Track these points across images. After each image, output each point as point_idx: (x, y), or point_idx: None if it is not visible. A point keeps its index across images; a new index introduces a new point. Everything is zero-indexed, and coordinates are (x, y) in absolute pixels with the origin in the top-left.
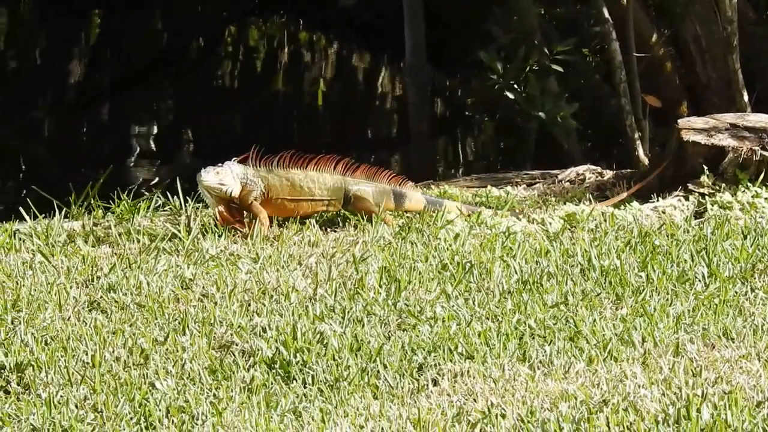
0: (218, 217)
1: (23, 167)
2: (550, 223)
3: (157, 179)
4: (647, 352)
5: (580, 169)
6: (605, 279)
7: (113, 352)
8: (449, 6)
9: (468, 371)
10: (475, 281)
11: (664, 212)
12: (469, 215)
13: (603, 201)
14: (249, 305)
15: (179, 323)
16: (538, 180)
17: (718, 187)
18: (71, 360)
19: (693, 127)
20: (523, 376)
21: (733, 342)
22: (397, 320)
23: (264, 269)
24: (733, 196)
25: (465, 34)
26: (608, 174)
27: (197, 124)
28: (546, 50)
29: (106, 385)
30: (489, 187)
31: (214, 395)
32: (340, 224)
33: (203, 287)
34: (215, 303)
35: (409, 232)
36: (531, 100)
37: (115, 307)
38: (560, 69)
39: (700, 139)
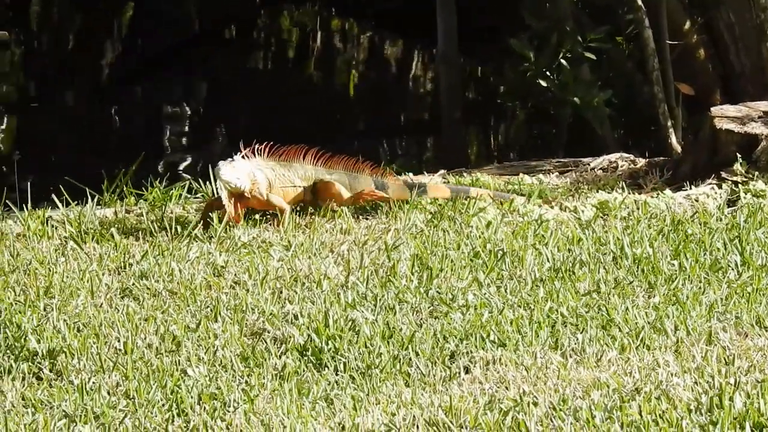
0: (231, 214)
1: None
2: (583, 211)
3: (188, 162)
4: (680, 340)
5: (613, 156)
6: (638, 267)
7: (145, 338)
8: None
9: (500, 359)
10: (507, 269)
11: (697, 200)
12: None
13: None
14: (281, 292)
15: (211, 310)
16: (570, 168)
17: (751, 175)
18: (103, 346)
19: (726, 115)
20: (556, 364)
21: (766, 331)
22: (429, 308)
23: (296, 257)
24: (766, 184)
25: (497, 21)
26: (641, 162)
27: (229, 108)
28: (579, 38)
29: (138, 372)
30: (521, 174)
31: (246, 382)
32: (372, 212)
33: (235, 274)
34: (247, 290)
35: (441, 220)
36: (564, 87)
37: (147, 294)
38: (593, 57)
39: (733, 127)
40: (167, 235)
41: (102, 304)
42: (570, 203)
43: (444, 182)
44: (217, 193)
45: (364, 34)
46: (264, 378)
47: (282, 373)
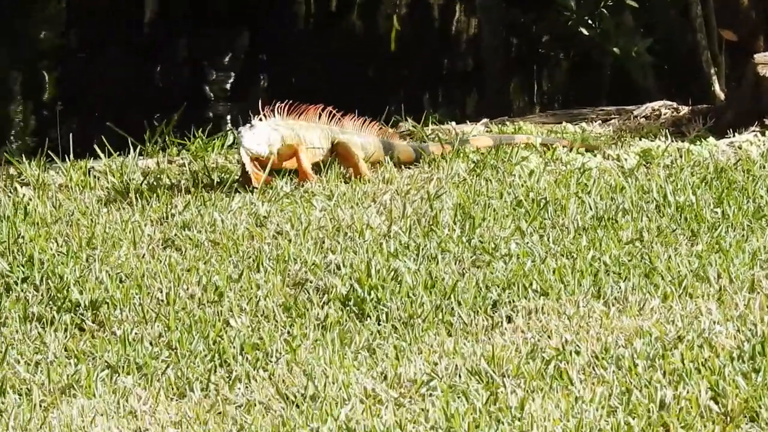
0: (252, 177)
1: (98, 105)
2: (626, 159)
3: (231, 113)
4: (722, 288)
5: (656, 104)
6: (680, 215)
7: (188, 289)
8: None
9: (542, 308)
10: (549, 218)
11: (740, 148)
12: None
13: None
14: (323, 242)
15: (253, 260)
16: (613, 116)
17: None
18: (146, 297)
19: None
20: (598, 312)
21: None
22: (471, 257)
23: (338, 206)
24: None
25: None
26: (684, 109)
27: (271, 59)
28: None
29: (181, 323)
30: (564, 123)
31: (289, 332)
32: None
33: (277, 224)
34: (289, 240)
35: (484, 169)
36: (606, 35)
37: (190, 244)
38: (635, 4)
39: None
40: (209, 185)
41: (144, 254)
42: (613, 151)
43: (486, 131)
44: (240, 160)
45: None
46: (306, 328)
47: (324, 323)
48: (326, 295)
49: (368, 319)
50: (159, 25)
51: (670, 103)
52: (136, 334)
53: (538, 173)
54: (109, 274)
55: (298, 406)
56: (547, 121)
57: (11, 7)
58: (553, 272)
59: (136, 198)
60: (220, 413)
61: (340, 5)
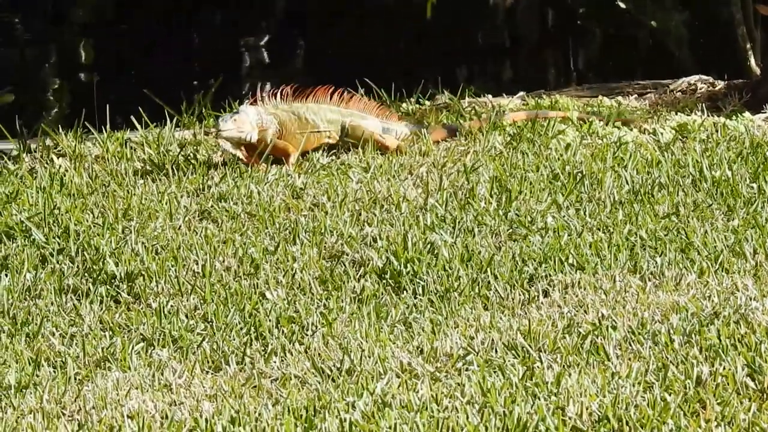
0: (243, 159)
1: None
2: (662, 134)
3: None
4: (759, 264)
5: (692, 79)
6: (717, 190)
7: (224, 261)
8: None
9: (579, 282)
10: (586, 191)
11: None
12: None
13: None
14: (359, 215)
15: (290, 233)
16: (649, 90)
17: None
18: (182, 270)
19: None
20: (634, 287)
21: None
22: (507, 230)
23: (375, 179)
24: None
25: None
26: (720, 84)
27: (307, 31)
28: None
29: (217, 295)
30: (600, 96)
31: (325, 305)
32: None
33: (314, 196)
34: (326, 212)
35: (521, 142)
36: (642, 9)
37: (226, 216)
38: None
39: None
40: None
41: (180, 226)
42: (649, 125)
43: (523, 105)
44: (222, 148)
45: None
46: (342, 301)
47: (360, 297)
48: (362, 268)
49: (404, 292)
50: None
51: (705, 77)
52: (171, 306)
53: (574, 147)
54: (145, 246)
55: (333, 380)
56: (584, 95)
57: None
58: (590, 246)
59: (172, 169)
60: (255, 387)
61: None
